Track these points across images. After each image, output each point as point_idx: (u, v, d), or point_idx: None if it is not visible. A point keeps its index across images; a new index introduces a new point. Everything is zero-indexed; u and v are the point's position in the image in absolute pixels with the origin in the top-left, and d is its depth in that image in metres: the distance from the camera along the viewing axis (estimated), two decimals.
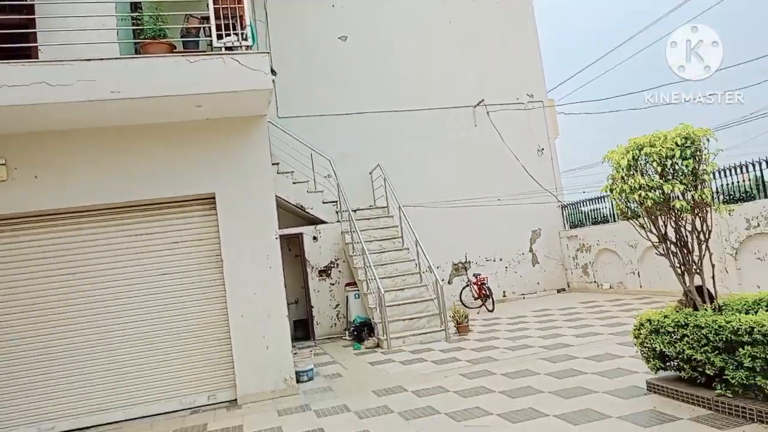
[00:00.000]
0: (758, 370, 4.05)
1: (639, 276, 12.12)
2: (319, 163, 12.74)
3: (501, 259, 14.46)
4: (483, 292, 12.69)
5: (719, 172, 9.70)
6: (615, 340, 7.67)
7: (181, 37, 6.95)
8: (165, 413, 6.91)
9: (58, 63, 5.89)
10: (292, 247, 13.52)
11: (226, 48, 6.46)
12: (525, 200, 14.37)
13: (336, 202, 12.50)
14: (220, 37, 6.42)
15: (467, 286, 13.46)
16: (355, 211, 12.34)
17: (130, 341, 6.99)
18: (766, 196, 9.05)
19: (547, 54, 15.06)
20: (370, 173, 13.52)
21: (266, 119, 7.42)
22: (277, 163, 12.33)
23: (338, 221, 12.42)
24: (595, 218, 13.91)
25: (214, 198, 7.23)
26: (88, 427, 6.70)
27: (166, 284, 7.18)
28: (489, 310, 12.48)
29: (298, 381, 7.63)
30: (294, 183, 12.25)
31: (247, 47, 6.53)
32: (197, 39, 7.03)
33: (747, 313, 4.59)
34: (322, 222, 12.44)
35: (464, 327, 10.02)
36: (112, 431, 6.52)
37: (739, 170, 9.38)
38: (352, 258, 11.65)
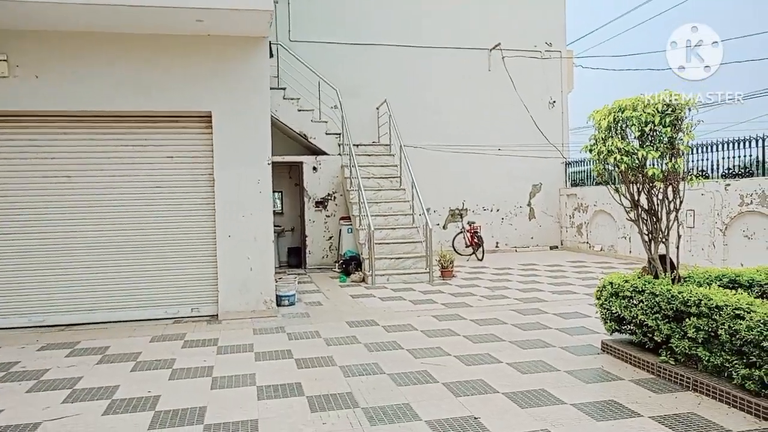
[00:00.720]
0: (700, 341, 4.20)
1: (630, 241, 12.20)
2: (327, 93, 12.65)
3: (498, 210, 14.54)
4: (475, 240, 12.86)
5: (722, 145, 9.60)
6: (589, 300, 7.83)
7: None
8: (149, 320, 7.26)
9: None
10: (293, 175, 13.66)
11: None
12: (530, 153, 14.28)
13: (339, 134, 12.49)
14: None
15: (461, 233, 13.63)
16: (357, 145, 12.38)
17: (121, 248, 7.26)
18: (764, 174, 8.98)
19: (572, 3, 14.50)
20: (377, 108, 13.43)
21: (267, 41, 7.36)
22: (284, 88, 12.28)
23: (340, 154, 12.47)
24: (612, 178, 13.84)
25: (210, 116, 7.29)
26: (75, 324, 7.06)
27: (159, 197, 7.37)
28: (478, 259, 12.69)
29: (279, 304, 7.95)
30: (299, 110, 12.21)
31: None
32: None
33: (704, 286, 4.70)
34: (324, 153, 12.49)
35: (449, 272, 10.25)
36: (98, 330, 6.86)
37: (740, 145, 9.26)
38: (349, 192, 11.77)
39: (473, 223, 13.30)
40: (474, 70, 14.27)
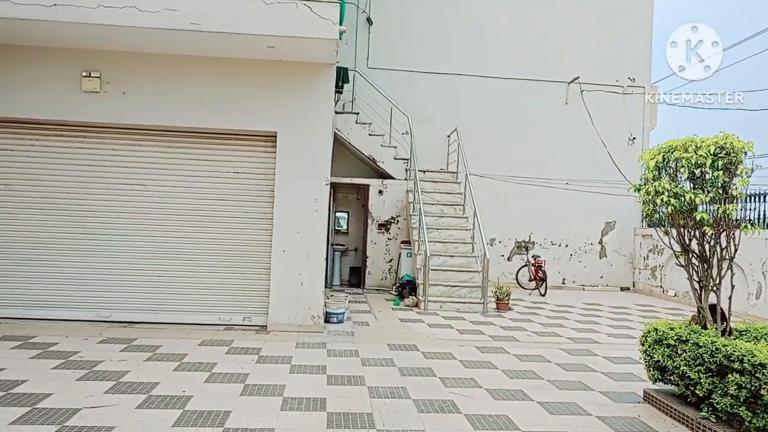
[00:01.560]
0: (742, 400, 3.89)
1: (716, 289, 11.39)
2: (399, 119, 12.90)
3: (567, 246, 14.09)
4: (539, 275, 12.52)
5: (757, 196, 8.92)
6: None
7: None
8: (204, 324, 7.63)
9: None
10: (360, 197, 13.95)
11: None
12: (605, 189, 13.77)
13: (408, 159, 12.66)
14: None
15: (525, 266, 13.31)
16: (424, 171, 12.49)
17: (183, 255, 7.71)
18: None
19: (660, 41, 13.99)
20: (448, 136, 13.50)
21: (333, 67, 7.67)
22: (357, 113, 12.65)
23: (406, 179, 12.61)
24: (662, 220, 13.12)
25: (276, 136, 7.65)
26: (138, 322, 7.55)
27: (223, 209, 7.79)
28: (541, 294, 12.33)
29: (327, 321, 8.11)
30: (370, 135, 12.52)
31: None
32: None
33: (756, 341, 4.36)
34: (391, 177, 12.69)
35: (504, 304, 10.03)
36: (156, 329, 7.30)
37: None
38: (411, 217, 11.87)
39: (538, 257, 12.96)
40: (550, 101, 14.05)
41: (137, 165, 7.71)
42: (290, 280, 7.60)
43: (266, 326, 7.62)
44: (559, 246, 14.06)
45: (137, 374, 5.35)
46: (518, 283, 13.21)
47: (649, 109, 14.22)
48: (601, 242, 14.20)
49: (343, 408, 4.63)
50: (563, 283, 13.98)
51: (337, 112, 12.07)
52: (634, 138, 14.23)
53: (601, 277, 14.14)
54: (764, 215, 9.89)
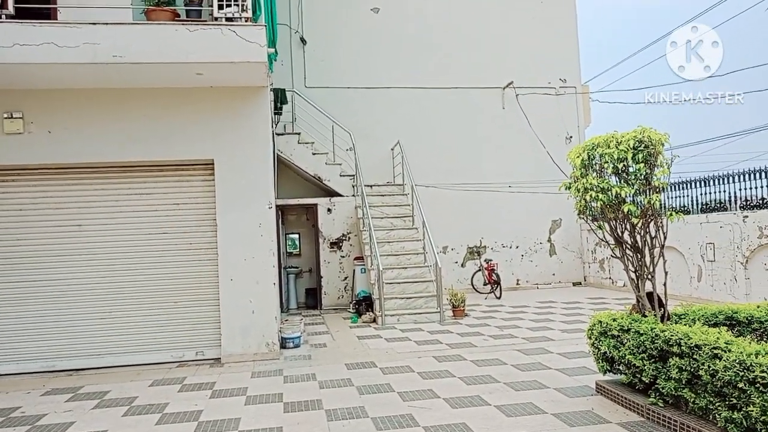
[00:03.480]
0: (684, 382, 4.02)
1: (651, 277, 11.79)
2: (341, 136, 12.91)
3: (518, 247, 14.35)
4: (493, 278, 12.68)
5: (739, 177, 9.34)
6: None
7: (185, 5, 7.17)
8: (155, 363, 7.37)
9: (66, 25, 6.24)
10: (310, 217, 13.84)
11: (227, 19, 6.65)
12: (548, 188, 14.10)
13: (353, 176, 12.66)
14: (221, 7, 6.62)
15: (479, 270, 13.47)
16: (371, 186, 12.52)
17: (127, 294, 7.45)
18: None
19: (586, 44, 14.55)
20: (392, 149, 13.59)
21: (267, 90, 7.62)
22: (299, 133, 12.59)
23: (354, 195, 12.61)
24: (594, 215, 13.56)
25: (213, 164, 7.52)
26: (84, 368, 7.23)
27: (164, 243, 7.58)
28: (497, 297, 12.47)
29: (283, 347, 7.97)
30: (314, 154, 12.47)
31: (247, 19, 6.68)
32: (200, 8, 7.23)
33: (692, 323, 4.51)
34: (339, 195, 12.65)
35: (460, 311, 10.11)
36: (105, 374, 7.00)
37: (758, 176, 8.98)
38: (362, 232, 11.85)
39: (490, 260, 13.14)
40: (487, 108, 14.35)
41: (71, 205, 7.43)
42: (241, 309, 7.44)
43: (220, 359, 7.42)
44: (510, 248, 14.31)
45: (83, 424, 5.10)
46: (474, 288, 13.35)
47: (583, 108, 14.71)
48: (549, 240, 14.52)
49: None
50: (517, 283, 14.21)
51: (278, 134, 11.99)
52: (571, 136, 14.67)
53: (553, 274, 14.45)
54: (696, 201, 10.34)
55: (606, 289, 13.33)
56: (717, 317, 4.82)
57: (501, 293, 12.48)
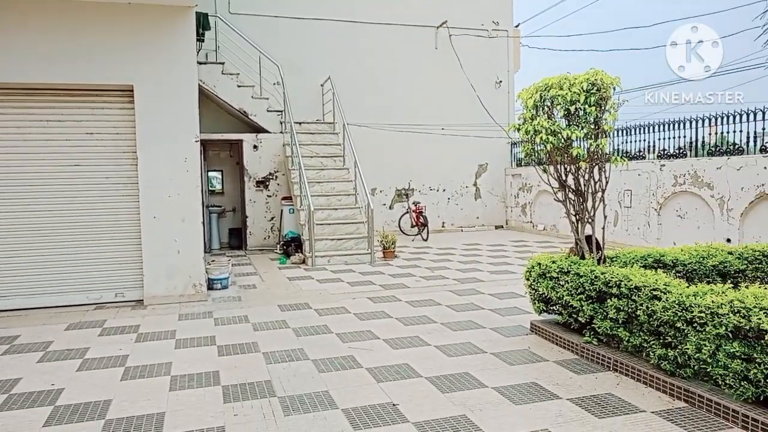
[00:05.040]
0: (621, 322, 4.19)
1: (591, 221, 12.33)
2: (268, 69, 12.22)
3: (444, 190, 14.49)
4: (420, 220, 12.78)
5: (658, 126, 9.75)
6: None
7: None
8: (70, 305, 6.87)
9: None
10: (234, 154, 13.22)
11: None
12: (476, 132, 14.22)
13: (281, 111, 12.10)
14: None
15: (406, 213, 13.53)
16: (300, 123, 12.04)
17: (38, 230, 6.82)
18: (695, 155, 9.17)
19: None
20: (322, 86, 13.08)
21: (192, 11, 6.97)
22: (223, 63, 11.80)
23: (282, 132, 12.10)
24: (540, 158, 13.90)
25: (132, 90, 6.86)
26: None
27: (79, 176, 6.94)
28: (423, 239, 12.62)
29: (211, 288, 7.66)
30: (239, 86, 11.76)
31: None
32: None
33: (625, 266, 4.69)
34: (266, 131, 12.10)
35: (390, 252, 10.13)
36: (12, 317, 6.44)
37: (676, 126, 9.42)
38: (290, 171, 11.46)
39: (418, 203, 13.21)
40: (421, 47, 14.06)
41: None
42: (165, 249, 7.01)
43: (143, 300, 7.02)
44: (438, 191, 14.43)
45: None
46: (401, 230, 13.42)
47: (513, 52, 14.74)
48: (475, 184, 14.77)
49: (239, 379, 4.37)
50: (443, 226, 14.44)
51: (200, 63, 11.10)
52: (501, 81, 14.74)
53: (477, 217, 14.79)
54: (618, 149, 10.73)
55: (527, 233, 13.84)
56: (647, 260, 5.04)
57: (428, 235, 12.63)
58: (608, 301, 4.26)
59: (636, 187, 10.12)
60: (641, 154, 10.29)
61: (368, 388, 4.12)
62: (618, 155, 10.61)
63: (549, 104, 4.63)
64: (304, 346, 5.17)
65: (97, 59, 6.65)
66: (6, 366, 4.81)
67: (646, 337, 3.96)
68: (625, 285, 4.06)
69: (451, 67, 14.13)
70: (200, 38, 11.26)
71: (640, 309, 3.94)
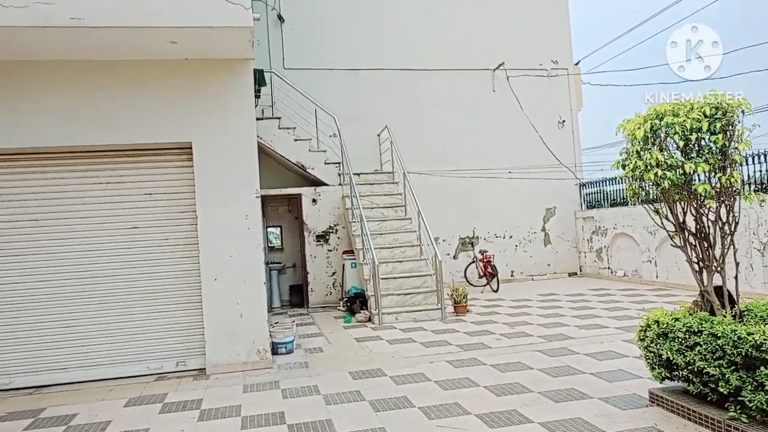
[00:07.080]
0: None
1: (656, 265, 11.30)
2: (324, 121, 12.04)
3: (511, 237, 13.71)
4: (488, 270, 12.01)
5: (755, 156, 8.76)
6: (622, 336, 6.98)
7: None
8: (129, 377, 6.48)
9: None
10: (293, 209, 12.96)
11: None
12: (541, 175, 13.51)
13: (339, 163, 11.80)
14: None
15: (473, 262, 12.79)
16: (358, 174, 11.69)
17: (95, 298, 6.53)
18: None
19: (577, 23, 13.94)
20: (378, 135, 12.77)
21: (250, 63, 6.73)
22: (279, 118, 11.66)
23: (340, 184, 11.75)
24: (613, 200, 13.01)
25: (191, 148, 6.61)
26: (46, 386, 6.29)
27: (137, 239, 6.66)
28: (493, 290, 11.82)
29: (275, 353, 7.14)
30: (296, 140, 11.55)
31: None
32: None
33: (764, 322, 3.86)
34: (324, 184, 11.79)
35: (462, 307, 9.39)
36: (69, 392, 6.08)
37: None
38: (351, 224, 11.02)
39: (485, 251, 12.46)
40: (478, 91, 13.62)
41: (26, 197, 6.45)
42: (227, 312, 6.57)
43: (204, 369, 6.55)
44: (504, 238, 13.66)
45: None
46: (467, 281, 12.66)
47: (574, 90, 14.10)
48: (544, 229, 13.92)
49: None
50: (512, 275, 13.58)
51: (257, 119, 11.02)
52: (564, 120, 14.07)
53: (548, 264, 13.87)
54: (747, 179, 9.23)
55: (605, 280, 12.80)
56: None
57: (498, 286, 11.81)
58: (762, 368, 3.43)
59: None
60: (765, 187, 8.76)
61: None
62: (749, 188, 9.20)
63: (663, 135, 3.96)
64: (386, 424, 4.50)
65: (155, 118, 6.47)
66: None
67: None
68: None
69: (511, 108, 13.61)
70: (257, 94, 11.20)
71: None
